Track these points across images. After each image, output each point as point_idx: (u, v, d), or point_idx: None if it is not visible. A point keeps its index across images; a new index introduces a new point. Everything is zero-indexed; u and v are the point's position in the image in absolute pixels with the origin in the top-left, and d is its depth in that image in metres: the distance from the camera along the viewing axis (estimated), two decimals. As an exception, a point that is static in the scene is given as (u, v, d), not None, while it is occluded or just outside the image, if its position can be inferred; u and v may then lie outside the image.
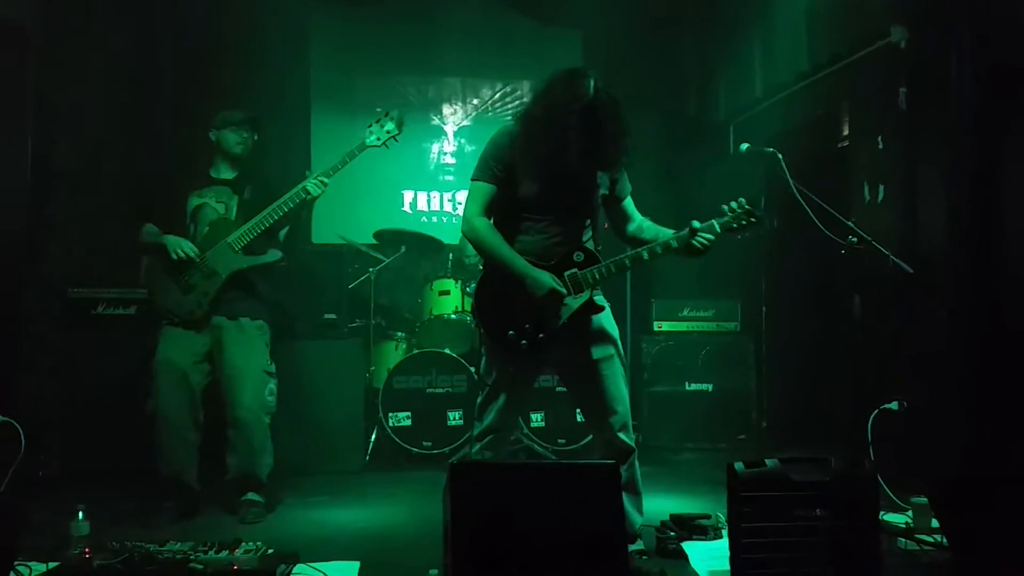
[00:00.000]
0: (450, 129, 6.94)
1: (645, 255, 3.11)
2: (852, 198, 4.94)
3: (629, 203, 3.35)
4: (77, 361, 4.64)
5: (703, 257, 3.12)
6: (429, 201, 6.80)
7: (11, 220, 4.43)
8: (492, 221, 3.16)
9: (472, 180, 3.18)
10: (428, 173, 6.84)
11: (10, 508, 3.15)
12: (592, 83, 2.96)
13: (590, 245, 3.18)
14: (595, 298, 3.12)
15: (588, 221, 3.21)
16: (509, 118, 3.23)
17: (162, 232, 3.98)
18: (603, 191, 3.22)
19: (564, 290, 3.04)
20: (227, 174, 4.13)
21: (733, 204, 3.09)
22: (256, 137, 4.15)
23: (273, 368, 4.06)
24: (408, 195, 6.82)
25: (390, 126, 4.01)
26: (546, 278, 3.03)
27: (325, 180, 3.91)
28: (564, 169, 3.00)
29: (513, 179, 3.10)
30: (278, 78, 6.40)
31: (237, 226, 3.96)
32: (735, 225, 3.09)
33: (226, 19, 6.06)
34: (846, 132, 5.29)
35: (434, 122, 6.94)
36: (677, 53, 7.16)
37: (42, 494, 4.02)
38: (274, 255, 4.07)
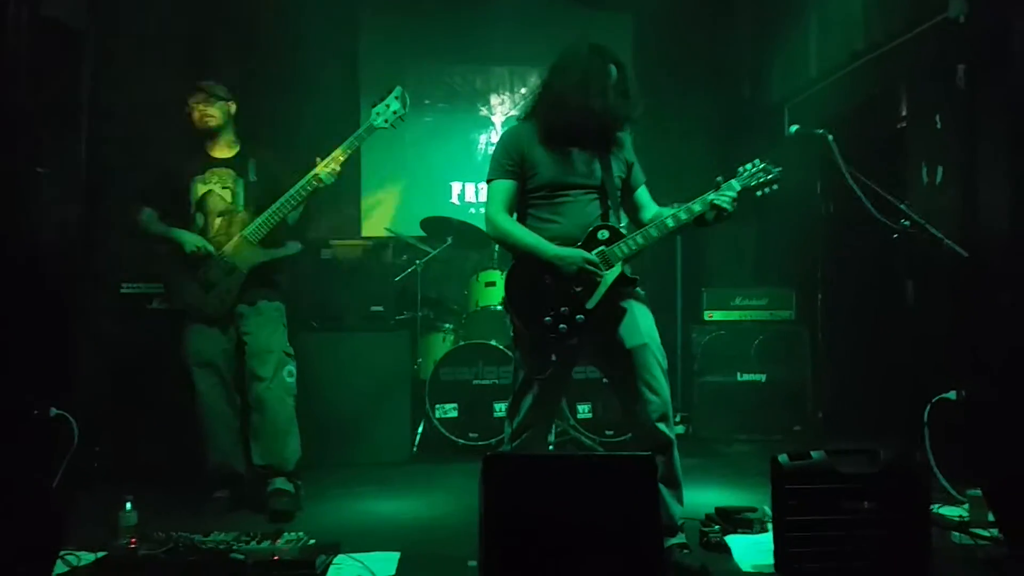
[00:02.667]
0: (498, 119, 6.91)
1: (671, 223, 3.07)
2: (910, 180, 4.78)
3: (644, 191, 3.35)
4: (130, 355, 4.71)
5: (724, 222, 3.08)
6: (477, 192, 6.79)
7: (66, 217, 4.55)
8: (515, 216, 3.21)
9: (487, 182, 3.23)
10: (476, 164, 6.82)
11: (62, 499, 3.22)
12: (601, 49, 3.15)
13: (613, 223, 3.17)
14: (626, 272, 3.10)
15: (609, 202, 3.19)
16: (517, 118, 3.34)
17: (169, 220, 3.99)
18: (619, 174, 3.23)
19: (596, 260, 3.03)
20: (220, 152, 4.06)
21: (747, 164, 3.10)
22: (215, 100, 4.00)
23: (291, 350, 4.04)
24: (456, 187, 6.82)
25: (396, 106, 3.88)
26: (576, 254, 3.04)
27: (336, 168, 3.82)
28: (583, 153, 3.14)
29: (528, 171, 3.15)
30: (327, 68, 6.46)
31: (249, 215, 3.94)
32: (753, 183, 3.08)
33: (276, 11, 6.12)
34: (904, 112, 5.11)
35: (482, 112, 6.92)
36: (730, 35, 7.03)
37: (95, 486, 4.11)
38: (294, 247, 4.06)
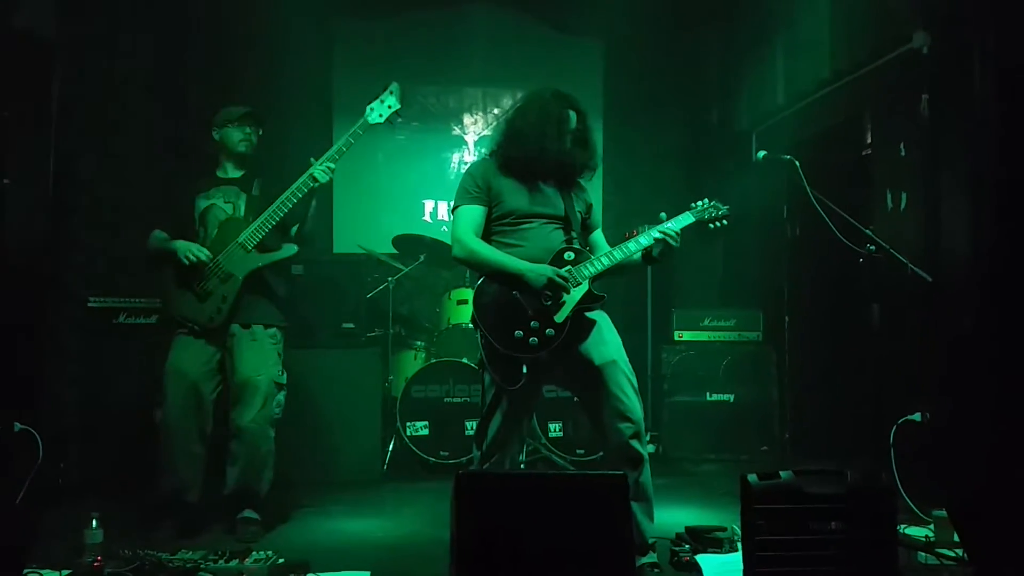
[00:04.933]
0: (470, 139, 6.96)
1: (632, 245, 3.19)
2: (875, 205, 4.88)
3: (600, 234, 3.48)
4: (98, 370, 4.65)
5: (668, 258, 3.24)
6: (449, 211, 6.79)
7: (34, 230, 4.50)
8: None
9: (454, 209, 3.28)
10: (448, 183, 6.85)
11: (25, 516, 3.17)
12: (566, 96, 3.27)
13: (577, 246, 3.26)
14: (593, 290, 3.16)
15: (573, 232, 3.30)
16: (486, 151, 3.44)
17: (172, 238, 3.89)
18: (580, 209, 3.34)
19: (565, 274, 3.09)
20: (234, 173, 4.02)
21: (698, 202, 3.31)
22: (260, 132, 4.04)
23: (284, 379, 3.91)
24: (429, 204, 6.85)
25: (391, 100, 3.82)
26: (544, 268, 3.10)
27: (331, 166, 3.77)
28: (547, 183, 3.27)
29: (493, 200, 3.23)
30: (301, 89, 6.47)
31: (247, 224, 3.83)
32: (705, 216, 3.27)
33: (250, 31, 6.12)
34: (869, 139, 5.22)
35: (455, 132, 6.96)
36: (699, 62, 7.15)
37: (60, 502, 4.04)
38: (290, 249, 3.93)
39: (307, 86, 6.57)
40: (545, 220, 3.24)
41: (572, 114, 3.25)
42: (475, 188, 3.23)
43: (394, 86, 3.86)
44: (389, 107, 3.83)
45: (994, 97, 3.97)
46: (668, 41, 6.95)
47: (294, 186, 3.78)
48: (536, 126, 3.20)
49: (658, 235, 3.17)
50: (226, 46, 6.16)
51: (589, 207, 3.41)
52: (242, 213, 3.92)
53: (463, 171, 6.77)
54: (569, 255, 3.17)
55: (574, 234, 3.29)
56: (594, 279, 3.17)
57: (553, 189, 3.29)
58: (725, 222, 3.30)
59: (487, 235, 3.25)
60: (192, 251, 3.79)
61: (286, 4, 5.90)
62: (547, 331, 3.07)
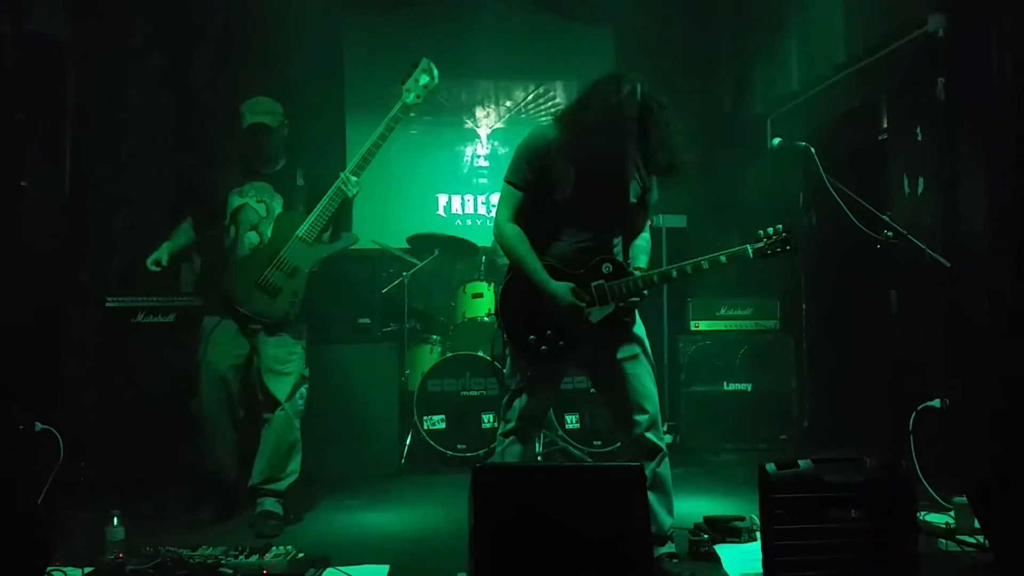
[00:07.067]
0: (483, 132, 6.94)
1: (675, 273, 3.06)
2: (892, 191, 4.83)
3: (642, 241, 3.30)
4: (116, 369, 4.68)
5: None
6: (463, 204, 6.81)
7: (50, 231, 4.52)
8: (524, 225, 3.09)
9: (505, 181, 3.12)
10: (462, 176, 6.85)
11: (47, 515, 3.20)
12: (638, 88, 2.95)
13: (620, 257, 3.14)
14: (621, 312, 3.05)
15: (620, 233, 3.19)
16: (546, 118, 3.20)
17: (201, 227, 3.97)
18: (632, 199, 3.15)
19: (583, 305, 2.99)
20: (267, 168, 3.99)
21: (770, 229, 3.05)
22: (286, 121, 4.01)
23: (307, 371, 4.00)
24: (442, 199, 6.84)
25: (425, 79, 3.77)
26: (564, 293, 2.99)
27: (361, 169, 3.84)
28: (604, 177, 3.04)
29: (547, 183, 3.04)
30: (313, 84, 6.46)
31: (303, 217, 3.83)
32: (768, 252, 3.04)
33: (261, 27, 6.12)
34: (885, 124, 5.17)
35: (467, 125, 6.95)
36: (712, 48, 7.09)
37: (82, 500, 4.09)
38: (350, 239, 3.95)
39: (318, 81, 6.56)
40: (597, 220, 3.09)
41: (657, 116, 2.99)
42: (528, 168, 3.04)
43: (424, 62, 3.80)
44: (424, 86, 3.79)
45: (1011, 79, 3.91)
46: (680, 27, 6.89)
47: (342, 175, 3.81)
48: (597, 135, 2.95)
49: (706, 265, 3.04)
50: (238, 43, 6.17)
51: (646, 190, 3.20)
52: (277, 211, 3.91)
53: (476, 164, 6.83)
54: (607, 268, 3.04)
55: (620, 234, 3.17)
56: (623, 299, 3.02)
57: (612, 179, 3.10)
58: (789, 247, 3.02)
59: (545, 217, 3.09)
60: (155, 260, 3.91)
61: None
62: (560, 342, 3.03)
